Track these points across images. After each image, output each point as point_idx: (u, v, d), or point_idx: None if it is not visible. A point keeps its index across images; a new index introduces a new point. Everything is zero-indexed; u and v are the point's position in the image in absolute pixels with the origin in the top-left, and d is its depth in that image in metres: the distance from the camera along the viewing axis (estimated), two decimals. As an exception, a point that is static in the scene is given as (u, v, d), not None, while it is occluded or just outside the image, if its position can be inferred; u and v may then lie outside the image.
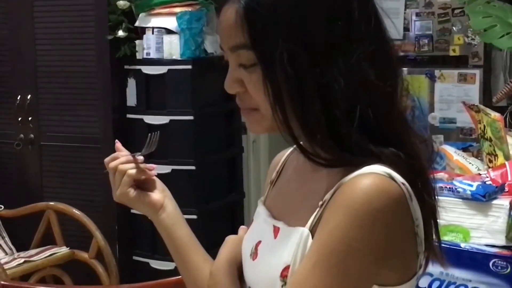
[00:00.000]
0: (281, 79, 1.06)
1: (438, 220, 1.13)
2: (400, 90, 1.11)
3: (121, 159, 1.33)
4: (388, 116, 1.08)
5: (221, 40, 1.14)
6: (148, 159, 1.37)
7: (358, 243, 1.00)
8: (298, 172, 1.22)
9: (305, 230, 1.08)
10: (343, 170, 1.07)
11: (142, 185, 1.35)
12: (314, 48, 1.05)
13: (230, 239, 1.33)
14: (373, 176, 1.02)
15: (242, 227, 1.38)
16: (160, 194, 1.36)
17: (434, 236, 1.12)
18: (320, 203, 1.08)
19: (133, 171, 1.32)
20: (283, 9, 1.05)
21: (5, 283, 2.54)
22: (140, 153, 1.35)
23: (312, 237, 1.07)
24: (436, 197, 1.13)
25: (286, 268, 1.09)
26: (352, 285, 1.02)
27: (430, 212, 1.10)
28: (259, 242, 1.21)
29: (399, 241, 1.04)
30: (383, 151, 1.06)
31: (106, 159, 1.35)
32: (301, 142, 1.11)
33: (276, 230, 1.16)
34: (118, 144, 1.38)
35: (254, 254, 1.21)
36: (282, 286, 1.09)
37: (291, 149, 1.30)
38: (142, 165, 1.33)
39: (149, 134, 1.42)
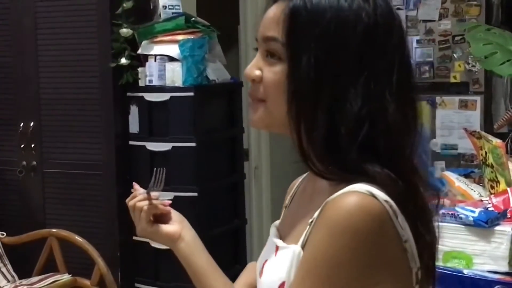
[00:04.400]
0: (300, 80, 1.12)
1: (436, 244, 1.17)
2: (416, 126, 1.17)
3: (138, 197, 1.45)
4: (398, 152, 1.13)
5: (258, 31, 1.21)
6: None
7: (340, 260, 1.05)
8: (304, 193, 1.29)
9: (297, 248, 1.15)
10: (336, 189, 1.11)
11: (160, 218, 1.46)
12: (342, 63, 1.11)
13: (250, 265, 1.43)
14: (355, 195, 1.07)
15: None
16: (177, 225, 1.46)
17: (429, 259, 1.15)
18: (310, 220, 1.13)
19: (147, 207, 1.43)
20: (325, 18, 1.12)
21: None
22: (154, 188, 1.49)
23: None
24: (438, 223, 1.17)
25: (282, 284, 1.16)
26: None
27: (426, 234, 1.13)
28: (266, 261, 1.28)
29: (384, 256, 1.08)
30: (379, 172, 1.10)
31: (127, 199, 1.47)
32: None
33: (276, 249, 1.24)
34: (136, 186, 1.49)
35: (261, 273, 1.28)
36: None
37: (305, 174, 1.35)
38: (157, 201, 1.44)
39: (154, 169, 1.53)
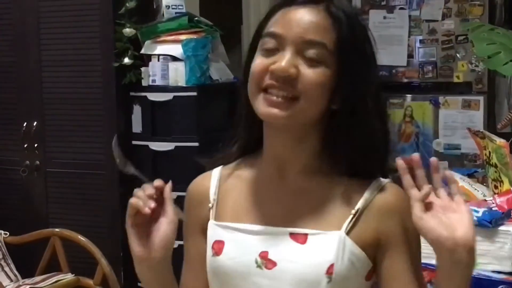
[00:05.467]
0: (354, 87, 1.29)
1: None
2: None
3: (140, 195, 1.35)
4: (388, 148, 1.37)
5: (291, 29, 1.28)
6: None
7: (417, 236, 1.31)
8: (281, 182, 1.36)
9: (341, 233, 1.29)
10: (355, 181, 1.33)
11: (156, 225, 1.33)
12: (375, 76, 1.35)
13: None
14: (395, 186, 1.33)
15: None
16: (156, 251, 1.30)
17: None
18: (353, 211, 1.31)
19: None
20: (360, 35, 1.31)
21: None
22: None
23: (350, 238, 1.29)
24: None
25: (331, 266, 1.27)
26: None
27: None
28: (266, 252, 1.31)
29: None
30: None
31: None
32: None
33: (301, 237, 1.30)
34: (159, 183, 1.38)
35: (269, 263, 1.31)
36: (327, 282, 1.27)
37: (217, 171, 1.52)
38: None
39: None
